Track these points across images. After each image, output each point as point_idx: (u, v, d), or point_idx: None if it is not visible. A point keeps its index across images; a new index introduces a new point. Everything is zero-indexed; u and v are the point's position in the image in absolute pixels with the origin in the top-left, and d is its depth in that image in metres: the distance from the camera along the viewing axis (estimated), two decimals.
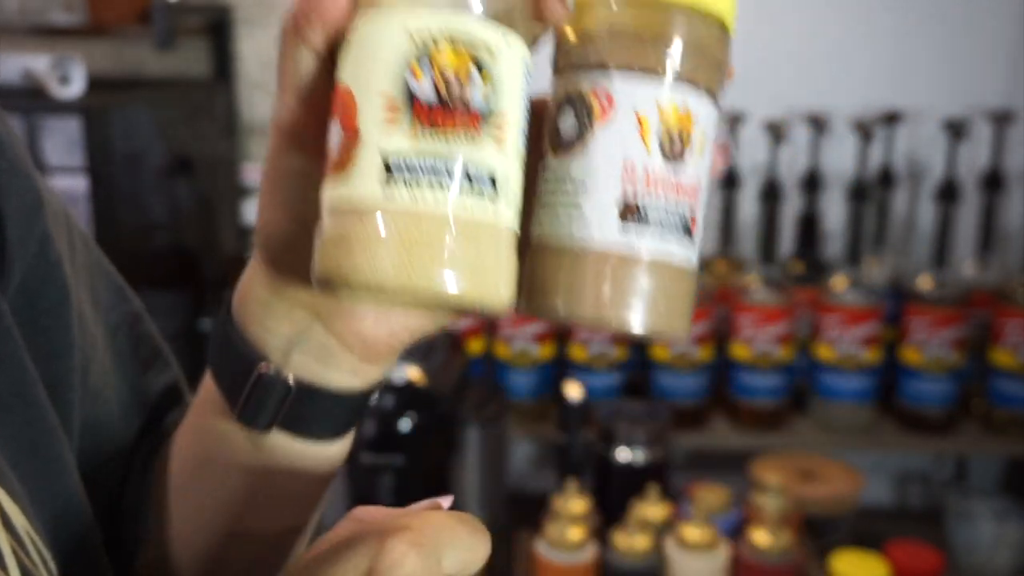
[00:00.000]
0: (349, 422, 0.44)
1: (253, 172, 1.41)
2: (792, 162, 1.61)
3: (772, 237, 1.60)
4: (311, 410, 0.42)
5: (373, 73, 0.33)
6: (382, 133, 0.33)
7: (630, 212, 0.35)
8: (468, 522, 0.32)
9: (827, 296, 1.47)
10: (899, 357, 1.48)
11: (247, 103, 1.65)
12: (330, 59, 0.35)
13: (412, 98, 0.33)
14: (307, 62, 0.35)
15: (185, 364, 0.55)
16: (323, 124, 0.35)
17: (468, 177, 0.33)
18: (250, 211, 1.41)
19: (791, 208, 1.61)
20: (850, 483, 1.44)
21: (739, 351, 1.47)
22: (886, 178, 1.58)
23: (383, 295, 0.33)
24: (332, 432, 0.43)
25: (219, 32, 1.60)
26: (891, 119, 1.55)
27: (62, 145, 1.22)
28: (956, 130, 1.52)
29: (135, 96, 1.46)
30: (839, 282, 1.48)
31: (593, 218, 0.36)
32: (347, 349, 0.41)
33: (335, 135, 0.34)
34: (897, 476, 1.73)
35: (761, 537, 1.23)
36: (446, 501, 0.35)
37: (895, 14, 1.60)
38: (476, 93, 0.33)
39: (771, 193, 1.58)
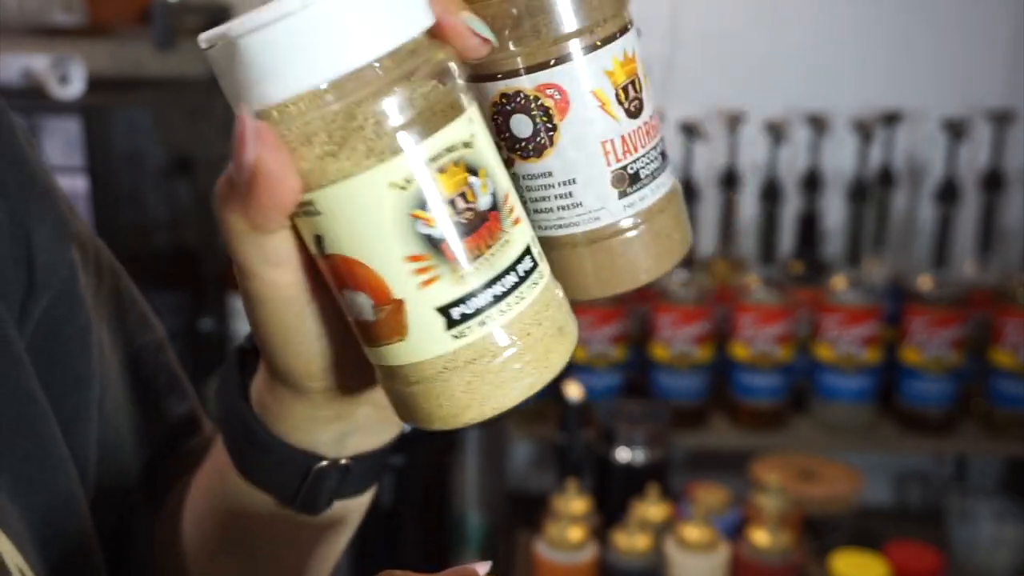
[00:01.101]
0: (382, 469, 0.44)
1: None
2: (792, 162, 1.61)
3: (772, 237, 1.60)
4: (362, 472, 0.42)
5: (381, 240, 0.31)
6: (426, 291, 0.31)
7: (624, 183, 0.36)
8: None
9: (827, 296, 1.47)
10: (899, 357, 1.48)
11: None
12: (287, 223, 0.32)
13: (436, 244, 0.31)
14: (272, 242, 0.33)
15: (185, 364, 0.55)
16: (305, 282, 0.33)
17: (519, 275, 0.32)
18: None
19: (791, 208, 1.61)
20: (850, 483, 1.44)
21: (739, 351, 1.47)
22: (886, 178, 1.58)
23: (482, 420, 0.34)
24: (370, 485, 0.44)
25: None
26: (891, 119, 1.55)
27: (62, 145, 1.22)
28: (956, 130, 1.52)
29: (135, 96, 1.46)
30: (839, 282, 1.48)
31: (595, 204, 0.36)
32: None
33: (364, 305, 0.32)
34: (897, 476, 1.73)
35: (761, 537, 1.23)
36: (482, 568, 0.34)
37: (895, 14, 1.60)
38: (483, 197, 0.32)
39: (771, 193, 1.58)
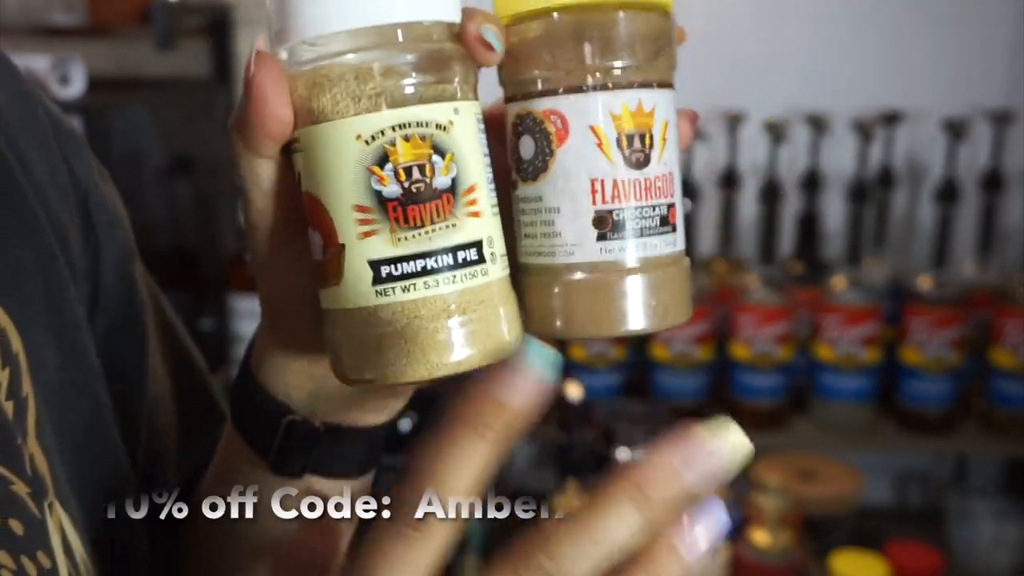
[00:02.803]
0: (376, 454, 0.45)
1: None
2: (792, 162, 1.61)
3: (772, 237, 1.60)
4: (339, 449, 0.43)
5: (339, 185, 0.34)
6: (364, 243, 0.34)
7: (606, 227, 0.36)
8: None
9: (827, 296, 1.47)
10: (899, 357, 1.47)
11: None
12: (282, 156, 0.36)
13: (383, 202, 0.33)
14: (264, 169, 0.36)
15: None
16: (293, 216, 0.36)
17: (455, 260, 0.34)
18: None
19: (791, 208, 1.61)
20: (850, 483, 1.44)
21: (739, 351, 1.47)
22: (886, 178, 1.58)
23: (402, 386, 0.36)
24: (361, 467, 0.45)
25: (219, 32, 1.60)
26: (891, 119, 1.55)
27: None
28: (956, 130, 1.52)
29: (135, 96, 1.46)
30: (839, 282, 1.48)
31: (573, 240, 0.36)
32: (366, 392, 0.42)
33: (317, 244, 0.35)
34: (897, 476, 1.73)
35: (761, 537, 1.23)
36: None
37: (895, 14, 1.60)
38: (441, 177, 0.34)
39: (771, 193, 1.58)
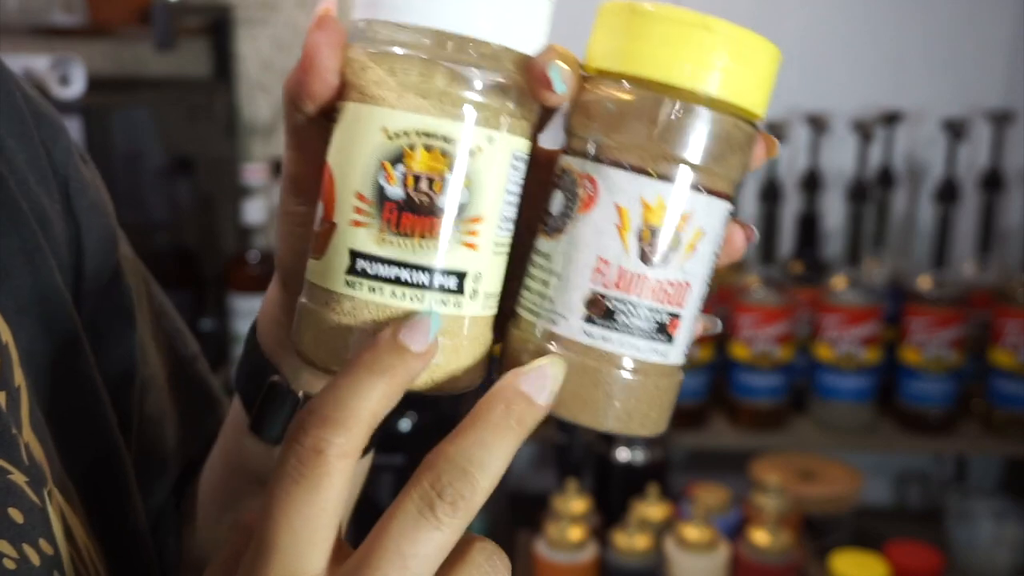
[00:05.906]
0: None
1: (253, 172, 1.41)
2: (792, 162, 1.61)
3: (772, 237, 1.60)
4: None
5: (352, 167, 0.34)
6: (352, 230, 0.34)
7: (596, 312, 0.34)
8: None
9: (827, 296, 1.47)
10: (899, 357, 1.48)
11: (247, 103, 1.65)
12: (325, 120, 0.36)
13: (383, 200, 0.33)
14: (301, 123, 0.36)
15: None
16: (317, 176, 0.36)
17: (430, 282, 0.34)
18: (250, 211, 1.41)
19: (791, 208, 1.61)
20: (850, 483, 1.44)
21: (739, 351, 1.47)
22: (886, 178, 1.58)
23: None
24: None
25: (219, 32, 1.60)
26: (891, 119, 1.55)
27: None
28: (956, 130, 1.52)
29: (135, 96, 1.46)
30: (839, 282, 1.48)
31: (561, 310, 0.35)
32: None
33: (318, 215, 0.35)
34: (897, 476, 1.73)
35: (761, 537, 1.23)
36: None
37: (895, 14, 1.60)
38: (447, 197, 0.33)
39: (771, 193, 1.58)
